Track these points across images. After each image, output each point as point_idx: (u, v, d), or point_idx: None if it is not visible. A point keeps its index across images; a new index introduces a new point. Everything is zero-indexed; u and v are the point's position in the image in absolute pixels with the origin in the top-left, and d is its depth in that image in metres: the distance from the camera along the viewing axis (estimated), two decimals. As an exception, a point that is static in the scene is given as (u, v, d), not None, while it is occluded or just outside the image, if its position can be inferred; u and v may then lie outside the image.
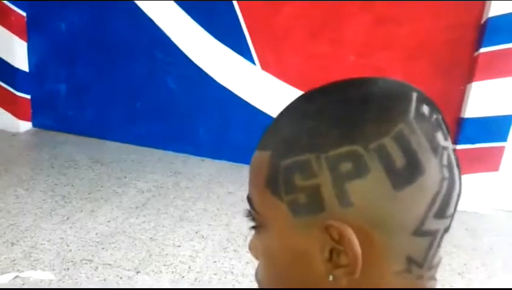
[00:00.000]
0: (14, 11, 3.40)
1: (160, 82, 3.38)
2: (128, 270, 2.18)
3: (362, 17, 2.95)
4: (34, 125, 3.72)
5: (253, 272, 2.06)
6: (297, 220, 0.42)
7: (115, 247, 2.34)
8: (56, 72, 3.57)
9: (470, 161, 2.99)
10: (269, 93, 3.20)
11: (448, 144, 0.43)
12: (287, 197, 0.43)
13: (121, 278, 2.12)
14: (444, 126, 0.43)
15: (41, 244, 2.31)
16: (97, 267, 2.18)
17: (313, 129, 0.42)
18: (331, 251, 0.42)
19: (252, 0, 3.07)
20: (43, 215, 2.54)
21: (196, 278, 2.18)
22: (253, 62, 3.17)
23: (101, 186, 2.93)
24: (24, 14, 3.46)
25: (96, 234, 2.44)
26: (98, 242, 2.37)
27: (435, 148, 0.41)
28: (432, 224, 0.42)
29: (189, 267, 2.25)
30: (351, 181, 0.40)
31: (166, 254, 2.33)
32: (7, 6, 3.36)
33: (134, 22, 3.30)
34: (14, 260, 2.18)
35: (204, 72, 3.28)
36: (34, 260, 2.19)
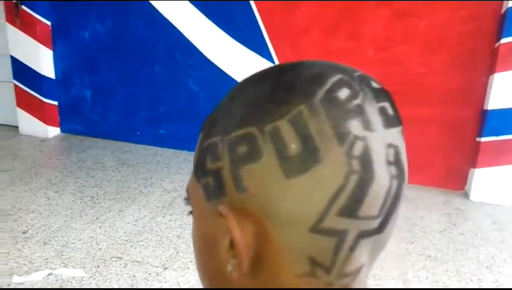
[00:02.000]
0: (39, 20, 3.51)
1: (181, 84, 3.45)
2: (156, 267, 2.24)
3: (380, 11, 2.96)
4: (62, 130, 3.83)
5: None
6: (208, 204, 0.40)
7: (142, 245, 2.40)
8: (81, 79, 3.67)
9: (495, 153, 2.96)
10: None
11: (372, 134, 0.37)
12: (202, 181, 0.41)
13: (149, 274, 2.18)
14: (375, 115, 0.37)
15: (72, 243, 2.39)
16: (126, 265, 2.24)
17: (226, 111, 0.40)
18: (231, 239, 0.39)
19: (269, 0, 3.11)
20: (73, 216, 2.62)
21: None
22: (272, 61, 3.21)
23: (128, 187, 3.00)
24: (49, 23, 3.57)
25: (125, 232, 2.50)
26: (126, 240, 2.43)
27: (342, 137, 0.36)
28: (336, 223, 0.36)
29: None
30: (246, 165, 0.37)
31: (193, 251, 2.38)
32: (33, 16, 3.47)
33: (154, 26, 3.37)
34: (46, 259, 2.25)
35: (224, 72, 3.33)
36: (66, 258, 2.26)
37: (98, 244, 2.39)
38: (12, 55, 3.60)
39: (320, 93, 0.37)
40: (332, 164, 0.35)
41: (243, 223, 0.38)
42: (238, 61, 3.29)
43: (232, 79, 3.29)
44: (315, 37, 3.08)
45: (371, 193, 0.36)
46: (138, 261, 2.27)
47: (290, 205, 0.36)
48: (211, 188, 0.40)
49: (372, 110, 0.38)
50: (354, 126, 0.36)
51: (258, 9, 3.15)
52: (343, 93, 0.37)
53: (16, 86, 3.68)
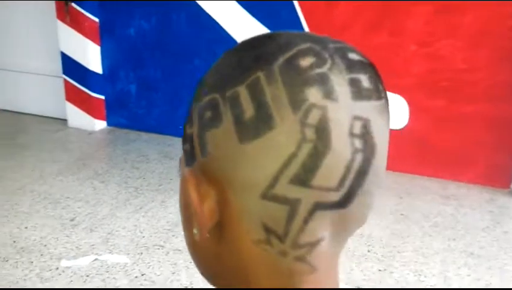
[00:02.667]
0: (88, 17, 3.64)
1: (224, 79, 3.49)
2: (197, 255, 2.29)
3: (423, 6, 2.92)
4: (108, 124, 3.96)
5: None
6: (187, 169, 0.42)
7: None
8: (126, 74, 3.78)
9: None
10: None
11: (334, 104, 0.36)
12: (183, 147, 0.43)
13: (190, 262, 2.24)
14: (342, 86, 0.36)
15: (117, 231, 2.47)
16: (168, 253, 2.31)
17: (201, 80, 0.42)
18: None
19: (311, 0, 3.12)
20: (118, 205, 2.72)
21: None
22: (314, 56, 3.21)
23: (171, 179, 3.08)
24: (97, 20, 3.70)
25: (167, 222, 2.57)
26: (168, 230, 2.50)
27: (297, 104, 0.35)
28: (288, 190, 0.36)
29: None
30: (209, 130, 0.38)
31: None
32: (82, 13, 3.60)
33: (197, 23, 3.44)
34: (93, 245, 2.35)
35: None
36: (111, 245, 2.35)
37: (142, 232, 2.47)
38: (62, 51, 3.74)
39: (281, 60, 0.36)
40: (285, 131, 0.35)
41: (206, 188, 0.39)
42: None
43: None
44: (356, 33, 3.07)
45: (326, 163, 0.35)
46: (179, 250, 2.33)
47: (244, 170, 0.37)
48: (188, 153, 0.42)
49: (339, 81, 0.36)
50: (312, 94, 0.35)
51: (300, 7, 3.16)
52: (306, 61, 0.36)
53: (65, 80, 3.83)
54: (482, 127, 3.02)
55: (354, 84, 0.37)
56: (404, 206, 2.84)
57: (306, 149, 0.35)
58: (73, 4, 3.57)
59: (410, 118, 3.12)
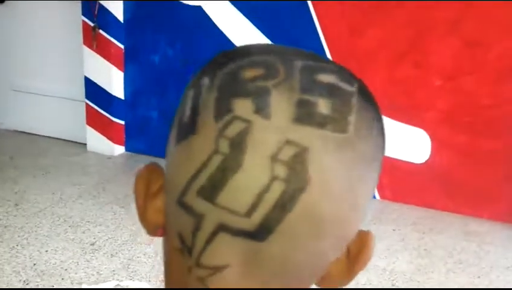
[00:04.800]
0: (113, 43, 3.70)
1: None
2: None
3: (449, 40, 2.93)
4: (126, 149, 3.97)
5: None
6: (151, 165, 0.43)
7: (205, 262, 2.44)
8: (148, 100, 3.82)
9: None
10: (352, 118, 3.23)
11: (264, 122, 0.33)
12: None
13: None
14: (284, 105, 0.33)
15: (138, 257, 2.45)
16: (189, 281, 2.28)
17: None
18: None
19: (334, 26, 3.15)
20: (139, 231, 2.70)
21: None
22: (337, 88, 3.22)
23: (190, 206, 3.06)
24: (122, 46, 3.76)
25: (188, 249, 2.55)
26: (189, 257, 2.47)
27: (222, 113, 0.33)
28: (195, 202, 0.34)
29: None
30: (171, 128, 0.39)
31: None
32: (108, 39, 3.67)
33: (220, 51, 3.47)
34: (113, 270, 2.33)
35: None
36: (132, 271, 2.33)
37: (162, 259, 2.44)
38: (86, 75, 3.79)
39: (229, 68, 0.35)
40: (202, 139, 0.34)
41: (159, 187, 0.39)
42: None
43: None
44: (381, 64, 3.08)
45: (235, 182, 0.32)
46: (201, 278, 2.30)
47: (169, 172, 0.37)
48: None
49: (282, 98, 0.33)
50: (241, 106, 0.33)
51: (324, 35, 3.19)
52: (251, 72, 0.34)
53: (87, 104, 3.87)
54: (505, 163, 2.99)
55: (304, 106, 0.33)
56: (427, 241, 2.80)
57: (216, 161, 0.33)
58: (100, 31, 3.63)
59: (432, 153, 3.11)
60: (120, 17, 3.68)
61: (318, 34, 3.21)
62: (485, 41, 2.88)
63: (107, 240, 2.60)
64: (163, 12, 3.57)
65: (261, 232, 0.33)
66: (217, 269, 0.35)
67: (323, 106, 0.33)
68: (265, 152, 0.32)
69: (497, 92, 2.93)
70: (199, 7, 3.46)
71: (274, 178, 0.32)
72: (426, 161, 3.13)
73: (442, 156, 3.10)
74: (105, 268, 2.34)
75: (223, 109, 0.34)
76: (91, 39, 3.65)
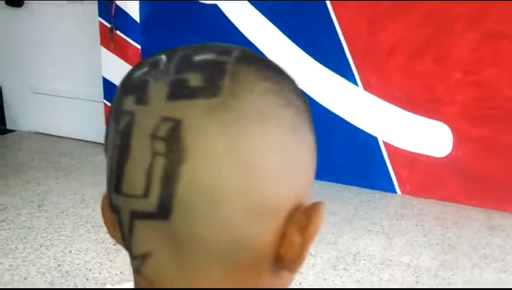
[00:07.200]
0: (131, 44, 3.72)
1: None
2: None
3: (469, 34, 2.89)
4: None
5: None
6: None
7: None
8: (166, 99, 3.82)
9: None
10: (372, 113, 3.20)
11: (143, 108, 0.35)
12: None
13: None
14: (159, 88, 0.35)
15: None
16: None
17: None
18: None
19: (353, 23, 3.12)
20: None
21: (308, 294, 2.21)
22: (356, 84, 3.20)
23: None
24: (139, 47, 3.77)
25: (210, 248, 2.55)
26: (211, 256, 2.48)
27: (116, 114, 0.37)
28: (114, 199, 0.37)
29: (300, 284, 2.29)
30: None
31: (277, 270, 2.39)
32: (125, 40, 3.68)
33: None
34: (137, 270, 2.34)
35: (307, 94, 3.35)
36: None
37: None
38: (104, 76, 3.82)
39: (131, 72, 0.39)
40: (109, 140, 0.37)
41: None
42: (321, 84, 3.30)
43: (316, 102, 3.30)
44: (400, 59, 3.05)
45: (128, 169, 0.35)
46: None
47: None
48: None
49: (158, 84, 0.35)
50: (127, 102, 0.36)
51: (342, 31, 3.16)
52: (140, 71, 0.38)
53: (105, 105, 3.89)
54: (529, 156, 2.94)
55: (177, 85, 0.35)
56: (450, 236, 2.76)
57: (115, 156, 0.36)
58: (117, 32, 3.65)
59: (454, 147, 3.07)
60: (136, 17, 3.69)
61: (336, 31, 3.18)
62: (508, 33, 2.82)
63: (129, 240, 2.61)
64: (179, 12, 3.57)
65: (163, 211, 0.34)
66: (145, 257, 0.37)
67: (194, 79, 0.35)
68: (145, 134, 0.34)
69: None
70: (216, 6, 3.46)
71: (155, 154, 0.33)
72: (448, 155, 3.09)
73: (463, 150, 3.06)
74: (128, 268, 2.35)
75: (117, 110, 0.37)
76: (108, 40, 3.67)
